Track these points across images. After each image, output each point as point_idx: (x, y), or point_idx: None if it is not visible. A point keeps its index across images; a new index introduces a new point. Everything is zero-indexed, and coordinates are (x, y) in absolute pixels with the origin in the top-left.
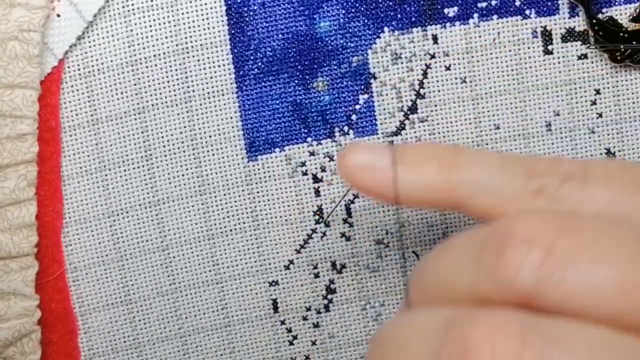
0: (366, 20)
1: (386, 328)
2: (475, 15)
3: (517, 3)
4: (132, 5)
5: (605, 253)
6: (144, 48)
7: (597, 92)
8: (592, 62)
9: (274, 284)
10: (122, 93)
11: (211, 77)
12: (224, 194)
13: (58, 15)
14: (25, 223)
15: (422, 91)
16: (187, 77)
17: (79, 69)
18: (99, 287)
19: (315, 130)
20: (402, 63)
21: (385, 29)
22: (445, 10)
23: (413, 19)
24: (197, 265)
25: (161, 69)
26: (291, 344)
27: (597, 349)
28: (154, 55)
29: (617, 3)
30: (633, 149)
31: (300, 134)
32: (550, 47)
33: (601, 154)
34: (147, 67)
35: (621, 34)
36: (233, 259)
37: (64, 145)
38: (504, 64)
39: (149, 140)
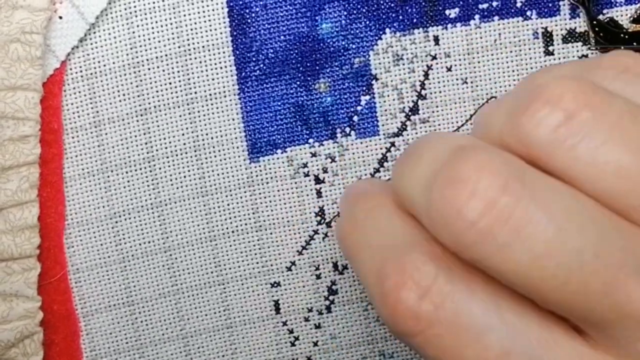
0: (368, 22)
1: (416, 141)
2: (477, 16)
3: (518, 4)
4: (134, 7)
5: (621, 137)
6: (146, 50)
7: None
8: None
9: (275, 285)
10: (124, 95)
11: (213, 79)
12: (226, 196)
13: (60, 17)
14: (27, 225)
15: (423, 92)
16: (189, 79)
17: (81, 71)
18: (102, 288)
19: (317, 132)
20: (403, 64)
21: (387, 30)
22: (447, 12)
23: (414, 20)
24: (200, 267)
25: (163, 70)
26: (293, 345)
27: (574, 216)
28: (156, 57)
29: (617, 4)
30: None
31: (302, 136)
32: (551, 48)
33: None
34: (149, 69)
35: (622, 35)
36: (235, 260)
37: (66, 147)
38: (505, 65)
39: (151, 142)
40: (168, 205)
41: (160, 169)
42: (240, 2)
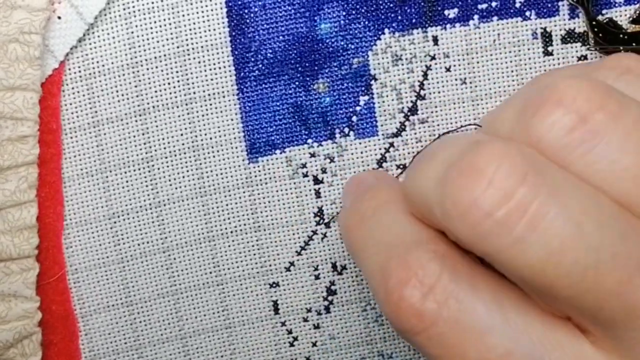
0: (367, 22)
1: (429, 145)
2: (476, 16)
3: (517, 4)
4: (133, 7)
5: (638, 142)
6: (144, 50)
7: None
8: None
9: (274, 285)
10: (123, 95)
11: (212, 79)
12: (225, 196)
13: (59, 18)
14: (26, 225)
15: (422, 92)
16: (188, 79)
17: (79, 71)
18: (100, 288)
19: (316, 132)
20: (402, 64)
21: (386, 30)
22: (446, 12)
23: (413, 20)
24: (198, 267)
25: (162, 71)
26: (292, 345)
27: (593, 213)
28: (155, 57)
29: (617, 5)
30: None
31: (300, 136)
32: (550, 49)
33: None
34: (148, 69)
35: (621, 36)
36: (234, 260)
37: (64, 147)
38: (504, 65)
39: (150, 142)
40: (167, 206)
41: (159, 169)
42: (239, 2)
